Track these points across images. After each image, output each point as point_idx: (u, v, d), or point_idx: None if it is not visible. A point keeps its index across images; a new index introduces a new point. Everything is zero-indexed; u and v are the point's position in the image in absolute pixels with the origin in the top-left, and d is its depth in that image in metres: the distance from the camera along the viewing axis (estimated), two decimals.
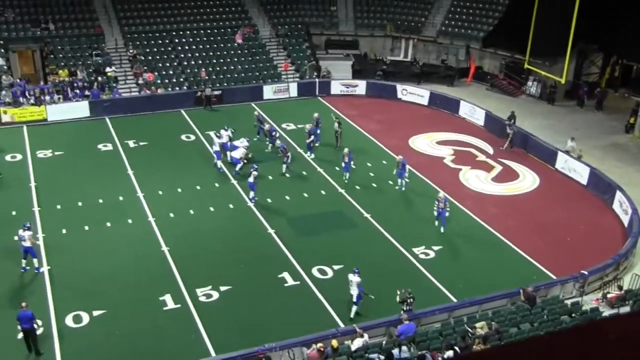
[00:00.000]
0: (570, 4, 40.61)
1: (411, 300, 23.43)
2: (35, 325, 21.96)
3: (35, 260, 26.29)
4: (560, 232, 30.81)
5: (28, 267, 26.26)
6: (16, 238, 26.64)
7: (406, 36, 53.90)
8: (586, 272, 26.08)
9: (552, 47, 44.94)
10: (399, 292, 23.56)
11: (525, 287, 24.32)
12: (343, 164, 34.30)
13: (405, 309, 23.28)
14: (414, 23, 54.17)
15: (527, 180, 35.89)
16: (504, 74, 51.08)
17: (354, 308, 24.28)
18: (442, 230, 29.75)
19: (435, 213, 29.91)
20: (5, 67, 43.99)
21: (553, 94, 47.66)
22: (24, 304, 21.97)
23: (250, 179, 31.67)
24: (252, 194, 31.86)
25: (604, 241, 29.96)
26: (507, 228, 30.76)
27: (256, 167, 32.57)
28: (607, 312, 23.69)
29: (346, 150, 34.47)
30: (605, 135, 41.97)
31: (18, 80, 43.62)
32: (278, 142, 36.65)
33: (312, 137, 37.49)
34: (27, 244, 25.94)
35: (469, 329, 22.14)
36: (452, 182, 35.06)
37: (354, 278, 24.18)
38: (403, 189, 33.56)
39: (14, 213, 30.40)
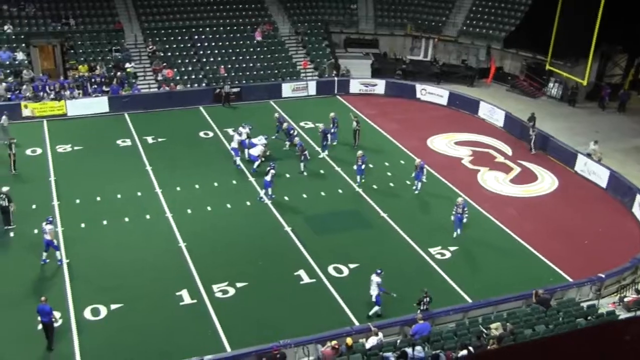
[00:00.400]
0: (594, 4, 40.57)
1: (427, 299, 23.70)
2: (53, 319, 22.47)
3: (57, 253, 26.85)
4: (578, 235, 30.93)
5: (48, 260, 26.77)
6: (35, 231, 27.18)
7: (426, 36, 53.98)
8: (603, 275, 26.20)
9: (574, 48, 44.90)
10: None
11: (537, 289, 24.48)
12: (355, 167, 34.31)
13: (422, 308, 23.54)
14: (435, 22, 54.28)
15: (545, 182, 36.00)
16: (524, 74, 51.03)
17: (375, 308, 24.54)
18: (456, 233, 29.79)
19: (453, 218, 29.91)
20: (26, 62, 44.63)
21: (574, 96, 47.58)
22: (43, 298, 22.44)
23: (267, 177, 32.00)
24: (269, 191, 32.18)
25: (623, 244, 29.98)
26: (525, 230, 30.91)
27: (274, 165, 32.93)
28: (623, 315, 23.83)
29: (359, 152, 34.40)
30: (627, 138, 41.97)
31: (41, 75, 44.28)
32: (296, 139, 36.94)
33: (329, 136, 37.81)
34: (48, 237, 26.51)
35: (484, 330, 22.36)
36: (470, 183, 35.22)
37: (375, 278, 24.45)
38: (417, 192, 33.66)
39: (34, 207, 30.91)
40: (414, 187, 33.98)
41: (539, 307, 23.88)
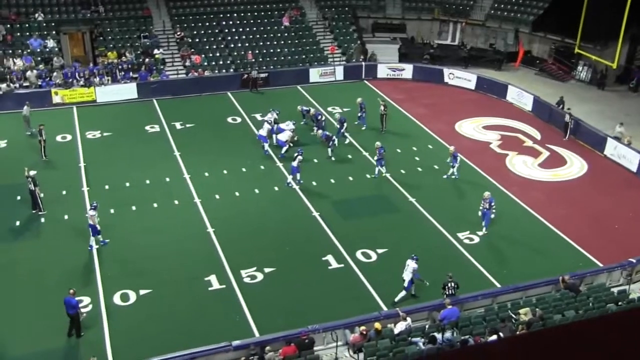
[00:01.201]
0: None
1: (453, 284, 23.45)
2: (79, 312, 22.39)
3: (92, 239, 26.99)
4: (608, 220, 30.47)
5: (96, 246, 27.05)
6: (66, 217, 27.30)
7: (454, 20, 53.44)
8: (634, 260, 25.78)
9: (604, 31, 44.24)
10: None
11: (563, 275, 24.16)
12: (375, 158, 33.55)
13: (447, 293, 23.34)
14: (462, 6, 53.63)
15: (575, 166, 35.50)
16: (553, 58, 50.35)
17: (402, 293, 24.30)
18: (484, 230, 28.75)
19: (480, 213, 28.87)
20: (56, 49, 44.78)
21: (603, 79, 46.90)
22: (71, 291, 22.29)
23: (294, 163, 31.87)
24: (298, 176, 32.05)
25: None
26: (554, 214, 30.49)
27: (301, 150, 32.79)
28: None
29: (378, 143, 33.67)
30: None
31: (74, 63, 44.34)
32: (319, 132, 36.24)
33: (343, 124, 37.02)
34: (91, 222, 26.73)
35: (513, 315, 22.15)
36: (499, 167, 34.84)
37: (411, 263, 24.17)
38: (452, 177, 33.07)
39: (64, 192, 31.07)
40: (446, 175, 33.23)
41: (568, 293, 23.62)
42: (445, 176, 33.25)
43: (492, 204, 28.43)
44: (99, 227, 27.01)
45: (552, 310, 22.37)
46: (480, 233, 28.56)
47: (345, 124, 37.11)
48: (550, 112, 40.85)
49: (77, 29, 47.62)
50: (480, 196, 29.27)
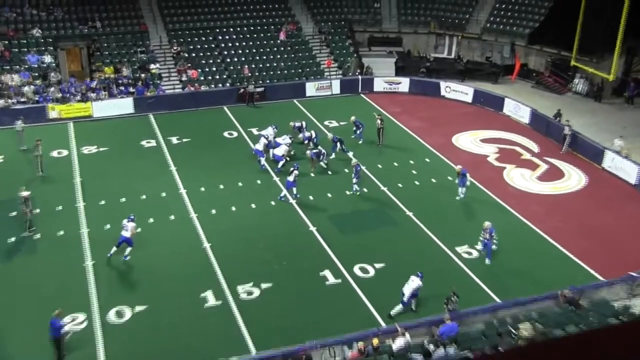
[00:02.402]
0: None
1: (455, 298, 23.17)
2: (62, 335, 21.67)
3: (128, 249, 26.80)
4: (607, 233, 30.15)
5: (111, 254, 26.85)
6: (62, 232, 26.92)
7: (450, 33, 53.37)
8: (635, 274, 25.38)
9: (600, 44, 44.04)
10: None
11: (563, 290, 23.74)
12: (354, 177, 32.68)
13: (449, 308, 23.04)
14: (458, 20, 53.57)
15: (573, 179, 35.20)
16: (549, 71, 50.23)
17: (399, 307, 24.02)
18: (487, 262, 27.40)
19: (481, 245, 27.78)
20: (53, 64, 44.51)
21: (600, 92, 46.73)
22: (56, 312, 21.68)
23: (290, 178, 31.53)
24: (294, 190, 31.71)
25: None
26: (553, 227, 30.18)
27: (297, 165, 32.44)
28: None
29: (354, 161, 33.27)
30: None
31: (71, 78, 44.15)
32: (308, 152, 35.33)
33: (336, 144, 36.46)
34: (128, 234, 26.49)
35: (513, 330, 21.74)
36: (496, 180, 34.56)
37: (415, 280, 23.94)
38: (461, 196, 32.16)
39: (59, 208, 30.70)
40: (458, 196, 32.23)
41: (569, 307, 23.24)
42: (458, 197, 32.21)
43: (493, 234, 27.36)
44: (132, 240, 26.78)
45: (553, 325, 21.97)
46: (479, 247, 28.04)
47: (339, 144, 36.59)
48: (548, 124, 40.62)
49: (75, 45, 47.50)
50: (477, 210, 28.98)
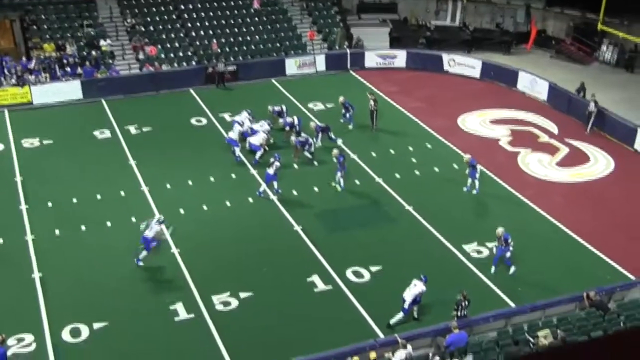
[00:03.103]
0: None
1: (466, 303, 23.76)
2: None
3: (144, 252, 27.48)
4: (639, 225, 30.87)
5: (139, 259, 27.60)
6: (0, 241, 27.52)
7: None
8: None
9: (632, 3, 44.47)
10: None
11: (588, 291, 24.47)
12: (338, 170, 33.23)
13: (459, 314, 23.67)
14: None
15: (599, 163, 35.98)
16: (572, 37, 50.83)
17: (399, 315, 24.57)
18: (512, 271, 27.62)
19: (498, 254, 27.62)
20: None
21: (633, 60, 47.37)
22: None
23: (270, 170, 31.94)
24: (275, 184, 32.28)
25: None
26: (576, 220, 30.84)
27: (278, 156, 32.71)
28: None
29: (335, 151, 33.60)
30: None
31: (3, 57, 43.73)
32: (293, 139, 36.01)
33: (319, 134, 37.03)
34: (150, 234, 27.28)
35: (531, 339, 22.42)
36: (510, 167, 35.22)
37: (419, 284, 24.48)
38: (474, 192, 32.79)
39: None
40: (467, 187, 32.91)
41: (595, 312, 23.92)
42: (465, 189, 32.96)
43: (509, 240, 27.22)
44: (154, 244, 27.48)
45: (577, 332, 22.56)
46: (490, 244, 28.56)
47: (323, 133, 37.07)
48: (570, 101, 41.28)
49: (4, 16, 46.95)
50: (488, 203, 29.59)
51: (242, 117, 37.32)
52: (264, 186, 32.64)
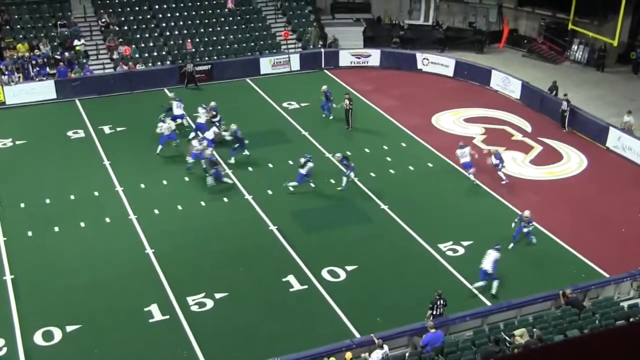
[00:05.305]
0: None
1: (442, 302, 23.65)
2: None
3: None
4: (613, 223, 30.88)
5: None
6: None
7: None
8: None
9: (602, 3, 44.64)
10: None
11: (564, 289, 24.42)
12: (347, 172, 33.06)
13: (434, 313, 23.53)
14: None
15: (572, 161, 36.02)
16: (543, 37, 51.04)
17: (495, 283, 25.78)
18: (534, 240, 29.09)
19: (514, 225, 29.05)
20: None
21: (603, 59, 47.59)
22: None
23: (303, 171, 32.09)
24: (310, 181, 32.56)
25: None
26: (550, 218, 30.82)
27: (309, 156, 32.68)
28: None
29: (338, 155, 33.75)
30: None
31: None
32: (208, 151, 34.11)
33: (237, 142, 35.51)
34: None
35: (507, 337, 22.30)
36: (484, 165, 34.97)
37: (493, 253, 25.69)
38: (503, 182, 33.43)
39: None
40: (504, 180, 33.53)
41: (570, 309, 23.85)
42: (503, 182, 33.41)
43: (531, 222, 28.96)
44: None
45: (553, 330, 22.53)
46: (465, 243, 28.69)
47: (245, 141, 35.55)
48: (542, 99, 41.41)
49: None
50: (462, 201, 29.66)
51: (200, 114, 37.47)
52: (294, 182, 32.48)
